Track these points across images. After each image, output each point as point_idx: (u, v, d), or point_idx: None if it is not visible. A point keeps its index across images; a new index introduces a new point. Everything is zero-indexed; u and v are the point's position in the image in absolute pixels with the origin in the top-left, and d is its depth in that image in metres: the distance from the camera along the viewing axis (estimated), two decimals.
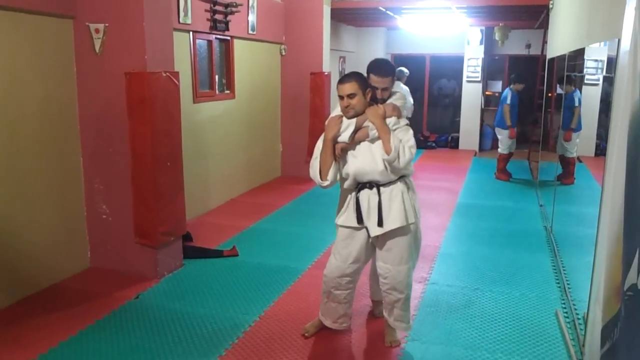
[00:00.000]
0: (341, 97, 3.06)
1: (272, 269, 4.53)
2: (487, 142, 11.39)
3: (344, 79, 3.09)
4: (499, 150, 8.45)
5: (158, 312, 3.74)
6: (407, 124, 3.14)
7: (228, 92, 6.58)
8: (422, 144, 11.38)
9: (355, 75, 3.10)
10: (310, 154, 3.30)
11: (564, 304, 3.93)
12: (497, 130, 8.42)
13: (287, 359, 3.18)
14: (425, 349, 3.30)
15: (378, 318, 3.62)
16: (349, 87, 3.02)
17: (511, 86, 8.28)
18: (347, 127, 3.06)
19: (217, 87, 6.30)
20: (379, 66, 3.22)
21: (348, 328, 3.46)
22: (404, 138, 3.04)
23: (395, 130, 3.05)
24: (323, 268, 3.26)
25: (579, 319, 3.51)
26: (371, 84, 3.15)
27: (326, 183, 3.09)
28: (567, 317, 3.69)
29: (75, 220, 4.33)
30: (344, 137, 3.05)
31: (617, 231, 2.32)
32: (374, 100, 3.16)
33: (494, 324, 3.63)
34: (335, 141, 3.07)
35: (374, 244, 3.20)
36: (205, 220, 5.87)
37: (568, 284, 4.15)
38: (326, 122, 3.14)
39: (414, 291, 4.07)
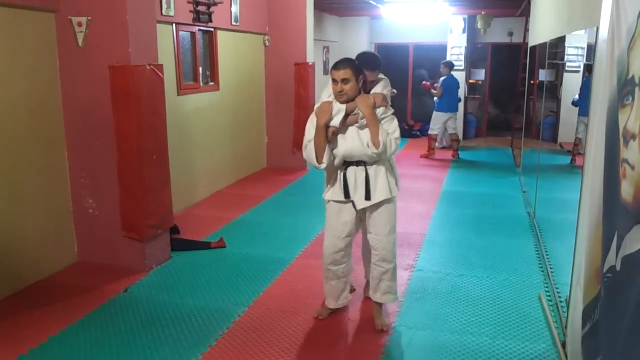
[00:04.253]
0: (335, 82, 3.16)
1: (260, 259, 4.56)
2: (470, 130, 11.48)
3: (338, 64, 3.18)
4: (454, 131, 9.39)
5: (147, 304, 3.76)
6: (392, 113, 3.27)
7: (212, 83, 6.56)
8: (406, 132, 11.40)
9: (349, 62, 3.20)
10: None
11: (546, 287, 4.01)
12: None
13: (277, 347, 3.22)
14: (412, 334, 3.36)
15: (368, 304, 3.64)
16: (344, 73, 3.13)
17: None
18: (338, 113, 3.17)
19: (201, 79, 6.27)
20: (368, 61, 3.34)
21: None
22: (390, 129, 3.20)
23: (382, 119, 3.19)
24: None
25: (561, 301, 3.59)
26: None
27: (323, 166, 3.23)
28: (550, 300, 3.78)
29: (62, 214, 4.32)
30: (335, 121, 3.17)
31: (597, 216, 2.37)
32: (364, 86, 3.27)
33: (479, 308, 3.70)
34: (327, 126, 3.17)
35: (361, 217, 3.36)
36: (192, 213, 5.88)
37: (551, 268, 4.23)
38: (317, 107, 3.24)
39: (400, 278, 4.15)
